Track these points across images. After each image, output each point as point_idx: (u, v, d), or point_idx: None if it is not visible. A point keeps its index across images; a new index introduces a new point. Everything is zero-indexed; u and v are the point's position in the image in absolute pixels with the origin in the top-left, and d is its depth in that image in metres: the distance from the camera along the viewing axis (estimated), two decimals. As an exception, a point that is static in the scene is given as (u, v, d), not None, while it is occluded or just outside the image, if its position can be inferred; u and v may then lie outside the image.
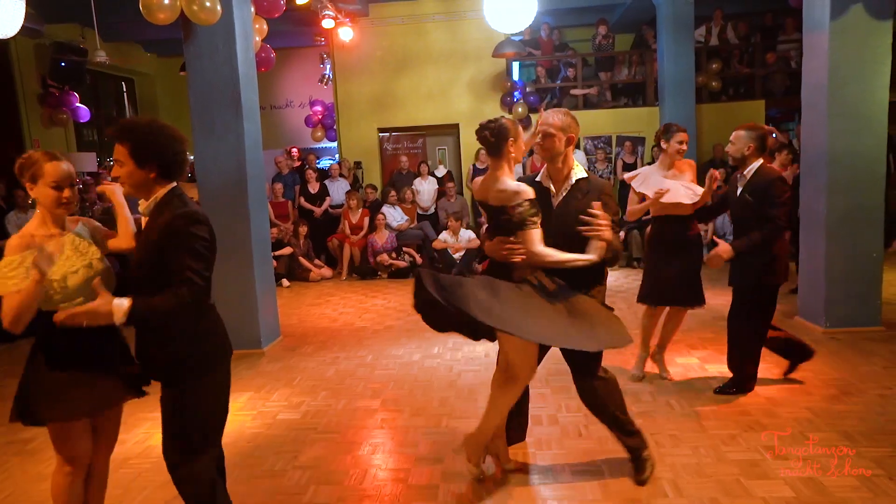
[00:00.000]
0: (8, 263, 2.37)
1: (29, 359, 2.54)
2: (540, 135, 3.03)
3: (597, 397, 3.16)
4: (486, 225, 3.24)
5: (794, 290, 6.84)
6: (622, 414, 3.21)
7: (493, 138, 2.89)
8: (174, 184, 2.44)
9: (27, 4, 5.15)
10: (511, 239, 2.88)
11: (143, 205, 2.47)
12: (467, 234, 9.21)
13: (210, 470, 2.51)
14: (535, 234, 2.82)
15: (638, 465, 3.23)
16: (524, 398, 3.49)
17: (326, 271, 9.51)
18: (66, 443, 2.55)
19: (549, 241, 2.88)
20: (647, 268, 4.54)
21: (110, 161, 12.49)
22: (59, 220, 2.55)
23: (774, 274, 4.06)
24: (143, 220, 2.46)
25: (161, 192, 2.40)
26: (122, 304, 2.19)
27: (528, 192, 2.84)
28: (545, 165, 3.12)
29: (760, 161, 4.07)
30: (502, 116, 2.98)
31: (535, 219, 2.83)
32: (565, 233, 2.93)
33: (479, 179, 3.08)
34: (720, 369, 4.59)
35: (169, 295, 2.24)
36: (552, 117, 3.02)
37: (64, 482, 2.58)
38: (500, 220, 2.92)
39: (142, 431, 4.06)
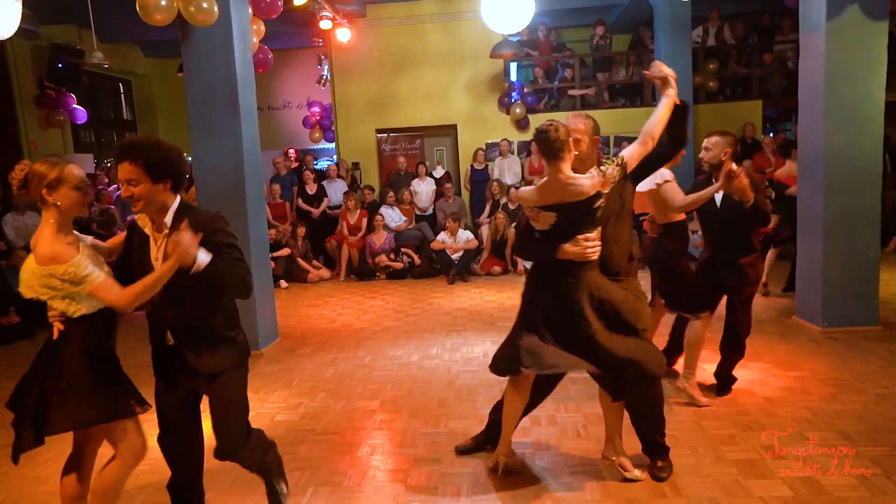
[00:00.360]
0: (81, 264, 2.42)
1: (63, 366, 2.50)
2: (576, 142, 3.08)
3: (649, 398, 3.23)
4: (530, 229, 3.14)
5: (785, 290, 6.90)
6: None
7: (558, 141, 2.89)
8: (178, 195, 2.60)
9: (24, 6, 5.14)
10: (591, 236, 2.94)
11: (142, 219, 2.59)
12: (465, 235, 9.22)
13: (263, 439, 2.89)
14: (635, 150, 3.02)
15: (662, 466, 3.24)
16: (535, 404, 3.50)
17: (325, 272, 9.50)
18: (133, 436, 2.64)
19: (606, 236, 3.03)
20: (688, 277, 4.16)
21: (108, 163, 12.51)
22: (70, 223, 2.58)
23: (759, 271, 4.15)
24: (155, 237, 2.56)
25: (173, 203, 2.56)
26: (206, 255, 2.42)
27: (597, 173, 2.94)
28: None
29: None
30: (553, 121, 2.97)
31: (618, 164, 2.96)
32: (613, 223, 3.09)
33: (529, 189, 3.03)
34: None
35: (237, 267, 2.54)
36: (578, 122, 3.10)
37: (123, 474, 2.66)
38: (587, 211, 2.92)
39: (140, 433, 4.05)
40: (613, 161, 2.98)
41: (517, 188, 10.19)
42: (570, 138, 2.95)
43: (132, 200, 2.48)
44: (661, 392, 3.24)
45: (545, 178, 2.99)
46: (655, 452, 3.28)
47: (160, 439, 2.75)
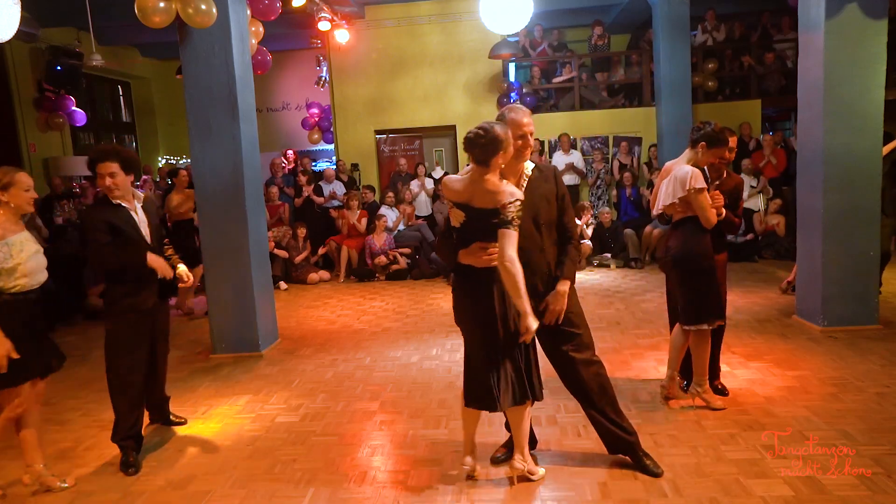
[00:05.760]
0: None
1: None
2: (530, 136, 3.07)
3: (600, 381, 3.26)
4: (449, 230, 3.14)
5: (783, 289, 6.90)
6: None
7: (485, 151, 2.86)
8: None
9: (22, 8, 5.13)
10: (493, 244, 2.90)
11: (124, 195, 3.60)
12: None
13: None
14: (514, 237, 2.86)
15: (648, 460, 3.25)
16: None
17: (324, 273, 9.50)
18: None
19: (536, 245, 3.07)
20: (714, 283, 3.87)
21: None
22: (19, 216, 3.29)
23: None
24: (131, 212, 3.62)
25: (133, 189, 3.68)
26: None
27: (520, 193, 2.90)
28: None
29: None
30: (494, 123, 2.91)
31: (518, 222, 2.87)
32: (545, 233, 3.12)
33: (454, 178, 3.06)
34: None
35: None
36: (528, 117, 3.04)
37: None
38: (487, 223, 2.88)
39: (140, 435, 4.04)
40: (519, 218, 2.86)
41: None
42: (503, 151, 2.86)
43: (113, 189, 3.47)
44: (605, 373, 3.28)
45: (469, 174, 2.98)
46: (639, 454, 3.27)
47: (132, 371, 3.63)
